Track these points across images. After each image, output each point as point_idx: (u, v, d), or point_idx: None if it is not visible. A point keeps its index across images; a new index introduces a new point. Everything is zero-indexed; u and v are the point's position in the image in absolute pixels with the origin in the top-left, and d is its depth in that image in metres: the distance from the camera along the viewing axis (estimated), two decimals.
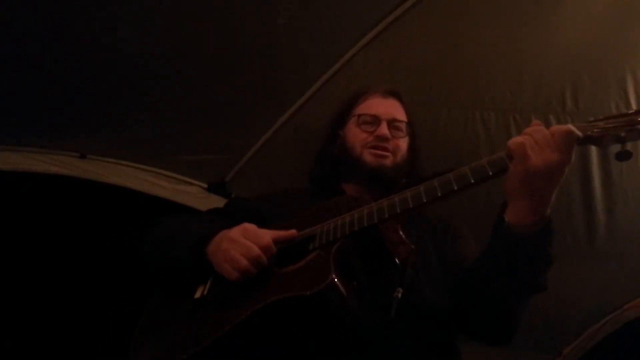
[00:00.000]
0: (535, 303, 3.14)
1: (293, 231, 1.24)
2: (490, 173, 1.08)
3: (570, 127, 1.03)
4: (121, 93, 2.38)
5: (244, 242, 1.18)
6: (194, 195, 3.05)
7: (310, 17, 2.09)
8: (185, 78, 2.33)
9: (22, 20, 1.94)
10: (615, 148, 1.04)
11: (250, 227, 1.23)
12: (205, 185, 3.09)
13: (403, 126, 1.50)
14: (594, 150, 2.38)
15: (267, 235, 1.21)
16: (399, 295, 1.14)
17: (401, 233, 1.18)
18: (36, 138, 2.69)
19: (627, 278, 2.84)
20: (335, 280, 1.07)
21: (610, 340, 3.04)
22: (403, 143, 1.49)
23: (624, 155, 1.01)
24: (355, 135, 1.49)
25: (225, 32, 2.13)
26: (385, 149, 1.44)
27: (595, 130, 1.02)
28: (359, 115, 1.50)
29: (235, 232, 1.21)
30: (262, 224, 1.30)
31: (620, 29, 2.09)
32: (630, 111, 1.02)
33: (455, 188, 1.10)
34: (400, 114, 1.53)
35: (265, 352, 1.15)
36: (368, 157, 1.44)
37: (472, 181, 1.09)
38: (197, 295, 1.30)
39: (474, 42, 2.18)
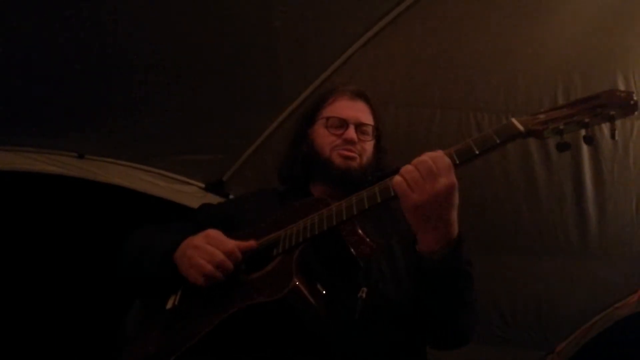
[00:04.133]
0: (528, 300, 3.21)
1: (252, 242, 1.26)
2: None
3: (442, 153, 1.06)
4: (119, 93, 2.39)
5: (207, 248, 1.21)
6: (192, 194, 3.06)
7: (307, 19, 2.11)
8: (184, 78, 2.35)
9: (19, 20, 1.95)
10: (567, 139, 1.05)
11: (213, 233, 1.26)
12: (203, 185, 3.10)
13: (369, 129, 1.53)
14: (585, 150, 2.41)
15: (230, 241, 1.24)
16: (364, 295, 1.17)
17: (361, 232, 1.19)
18: (34, 138, 2.70)
19: (618, 276, 2.88)
20: (298, 285, 1.08)
21: (602, 338, 3.08)
22: (369, 146, 1.52)
23: (563, 146, 1.03)
24: (324, 137, 1.51)
25: (223, 33, 2.14)
26: (352, 152, 1.47)
27: (536, 123, 1.04)
28: (328, 118, 1.53)
29: (199, 239, 1.24)
30: (232, 229, 1.33)
31: (612, 32, 2.12)
32: (570, 102, 1.05)
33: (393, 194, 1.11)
34: (367, 117, 1.56)
35: (235, 358, 1.17)
36: (336, 159, 1.47)
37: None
38: (169, 305, 1.33)
39: (468, 44, 2.21)
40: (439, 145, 1.10)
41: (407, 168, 1.06)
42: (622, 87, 2.22)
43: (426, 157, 1.06)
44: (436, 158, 1.05)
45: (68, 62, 2.18)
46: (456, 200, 1.06)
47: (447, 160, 1.05)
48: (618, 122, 2.46)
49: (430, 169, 1.04)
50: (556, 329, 3.12)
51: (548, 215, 2.63)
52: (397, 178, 1.07)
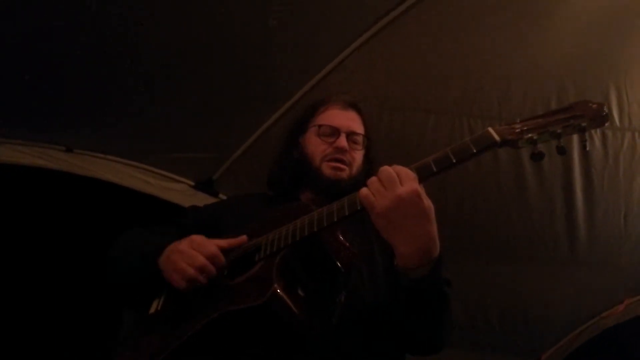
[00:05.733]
0: (515, 308, 3.21)
1: (243, 237, 1.28)
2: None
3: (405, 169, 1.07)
4: (110, 88, 2.37)
5: (190, 252, 1.22)
6: (181, 192, 3.04)
7: (301, 19, 2.10)
8: (175, 76, 2.33)
9: (10, 13, 1.93)
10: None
11: (197, 238, 1.26)
12: (193, 183, 3.08)
13: (360, 139, 1.55)
14: (576, 160, 2.43)
15: (212, 245, 1.24)
16: (342, 299, 1.18)
17: (342, 238, 1.20)
18: (22, 130, 2.67)
19: (606, 285, 2.90)
20: (278, 290, 1.09)
21: (588, 347, 3.10)
22: (359, 155, 1.54)
23: (537, 157, 1.05)
24: (315, 145, 1.53)
25: (217, 31, 2.13)
26: (343, 162, 1.49)
27: (511, 132, 1.06)
28: (320, 126, 1.54)
29: (184, 243, 1.25)
30: (219, 231, 1.33)
31: (605, 40, 2.14)
32: (545, 112, 1.07)
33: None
34: (358, 126, 1.57)
35: None
36: (327, 170, 1.48)
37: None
38: (152, 310, 1.33)
39: (463, 50, 2.21)
40: (432, 150, 1.10)
41: (372, 178, 1.08)
42: (613, 95, 2.24)
43: (389, 167, 1.07)
44: (399, 168, 1.07)
45: (59, 56, 2.16)
46: (426, 212, 1.04)
47: (409, 171, 1.06)
48: (609, 133, 2.49)
49: (390, 177, 1.05)
50: (542, 337, 3.14)
51: (538, 224, 2.65)
52: (363, 188, 1.08)
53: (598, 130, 2.30)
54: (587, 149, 1.13)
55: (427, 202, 1.05)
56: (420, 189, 1.04)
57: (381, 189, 1.05)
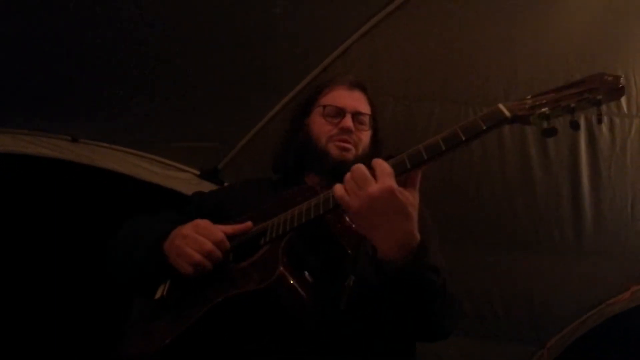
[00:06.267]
0: (520, 295, 3.21)
1: (248, 223, 1.26)
2: None
3: (381, 162, 1.04)
4: (115, 78, 2.37)
5: (196, 237, 1.21)
6: (186, 181, 3.05)
7: (306, 7, 2.08)
8: (180, 65, 2.32)
9: (18, 5, 1.92)
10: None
11: (202, 222, 1.25)
12: (198, 172, 3.09)
13: (366, 119, 1.52)
14: (583, 147, 2.41)
15: (218, 230, 1.23)
16: (351, 282, 1.16)
17: (348, 220, 1.18)
18: (28, 120, 2.68)
19: (612, 273, 2.89)
20: (284, 274, 1.08)
21: (593, 334, 3.10)
22: (365, 136, 1.51)
23: (549, 132, 1.00)
24: (320, 126, 1.50)
25: (221, 20, 2.12)
26: (348, 142, 1.46)
27: (522, 108, 1.01)
28: (324, 106, 1.51)
29: (188, 228, 1.24)
30: (223, 217, 1.32)
31: (614, 29, 2.11)
32: (557, 87, 1.02)
33: None
34: (364, 106, 1.54)
35: (222, 348, 1.17)
36: (332, 150, 1.45)
37: None
38: (158, 295, 1.32)
39: (469, 38, 2.19)
40: None
41: (346, 176, 1.06)
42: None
43: (361, 164, 1.05)
44: (377, 163, 1.04)
45: (65, 46, 2.15)
46: (402, 208, 1.02)
47: (385, 165, 1.04)
48: (617, 120, 2.46)
49: (362, 175, 1.03)
50: (547, 325, 3.14)
51: (544, 212, 2.64)
52: (338, 185, 1.07)
53: (605, 117, 2.28)
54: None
55: (403, 198, 1.02)
56: (395, 185, 1.01)
57: (354, 188, 1.04)
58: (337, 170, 1.39)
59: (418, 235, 1.06)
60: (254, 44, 2.24)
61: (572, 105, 0.97)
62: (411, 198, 1.05)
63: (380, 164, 1.04)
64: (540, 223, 2.67)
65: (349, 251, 1.18)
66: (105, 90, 2.44)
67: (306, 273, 1.14)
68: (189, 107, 2.59)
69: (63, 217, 2.95)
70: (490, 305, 3.02)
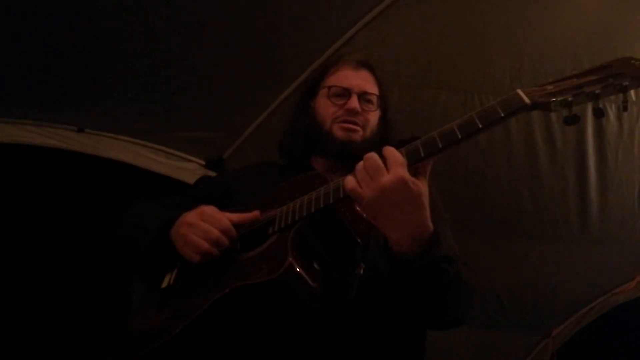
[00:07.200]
0: (526, 284, 3.21)
1: (256, 212, 1.23)
2: None
3: (391, 150, 1.00)
4: (121, 68, 2.37)
5: (203, 225, 1.18)
6: (192, 171, 3.05)
7: None
8: (185, 54, 2.32)
9: None
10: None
11: (208, 209, 1.22)
12: (203, 162, 3.09)
13: (374, 99, 1.47)
14: (590, 134, 2.39)
15: (225, 217, 1.20)
16: (361, 271, 1.14)
17: (358, 209, 1.13)
18: (33, 111, 2.68)
19: (617, 262, 2.88)
20: (293, 264, 1.06)
21: (599, 323, 3.11)
22: (373, 117, 1.46)
23: (571, 120, 0.95)
24: (326, 107, 1.46)
25: (226, 10, 2.11)
26: (355, 123, 1.42)
27: (543, 94, 0.96)
28: (330, 87, 1.46)
29: (193, 216, 1.21)
30: (230, 202, 1.30)
31: (622, 16, 2.09)
32: (580, 72, 0.97)
33: None
34: (371, 86, 1.49)
35: (229, 340, 1.15)
36: (338, 131, 1.41)
37: None
38: (164, 284, 1.30)
39: (475, 26, 2.17)
40: (442, 126, 1.05)
41: (358, 165, 1.03)
42: None
43: (374, 153, 1.01)
44: (389, 152, 1.01)
45: (70, 35, 2.15)
46: (414, 198, 0.99)
47: (397, 155, 1.00)
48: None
49: (375, 165, 0.99)
50: (553, 314, 3.14)
51: (550, 200, 2.63)
52: (349, 177, 1.04)
53: (613, 105, 2.26)
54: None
55: (416, 188, 0.98)
56: (407, 176, 0.98)
57: (366, 178, 1.00)
58: (344, 152, 1.38)
59: (431, 226, 1.03)
60: (258, 33, 2.23)
61: (597, 91, 0.92)
62: (423, 187, 1.01)
63: (392, 153, 1.00)
64: (546, 211, 2.66)
65: (359, 240, 1.16)
66: (111, 81, 2.44)
67: (315, 263, 1.13)
68: (195, 97, 2.58)
69: (69, 208, 2.96)
70: (495, 294, 3.02)
